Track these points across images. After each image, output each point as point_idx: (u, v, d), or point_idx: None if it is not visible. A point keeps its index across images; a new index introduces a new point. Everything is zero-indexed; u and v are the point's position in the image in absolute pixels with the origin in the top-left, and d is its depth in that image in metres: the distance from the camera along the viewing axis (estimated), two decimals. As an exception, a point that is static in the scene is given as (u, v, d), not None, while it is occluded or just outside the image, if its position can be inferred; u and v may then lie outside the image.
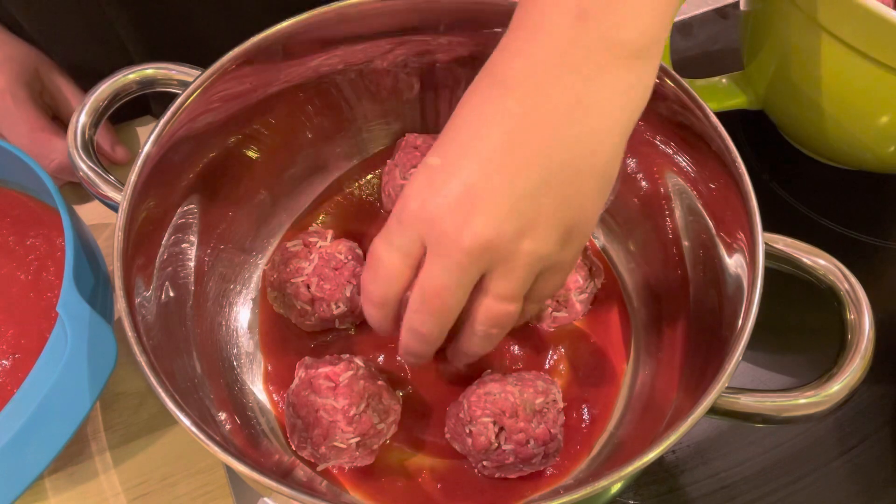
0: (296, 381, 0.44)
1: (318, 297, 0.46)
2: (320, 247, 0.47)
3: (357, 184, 0.54)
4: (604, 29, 0.33)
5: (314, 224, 0.53)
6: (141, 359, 0.36)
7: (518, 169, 0.33)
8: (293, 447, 0.44)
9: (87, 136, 0.45)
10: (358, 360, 0.44)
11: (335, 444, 0.41)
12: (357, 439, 0.41)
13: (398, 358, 0.47)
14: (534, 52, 0.33)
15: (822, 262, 0.40)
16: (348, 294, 0.46)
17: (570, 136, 0.33)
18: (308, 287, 0.46)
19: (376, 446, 0.43)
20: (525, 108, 0.33)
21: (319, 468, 0.43)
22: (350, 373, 0.42)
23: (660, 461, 0.49)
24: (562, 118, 0.33)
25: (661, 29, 0.34)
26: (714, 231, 0.44)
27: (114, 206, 0.43)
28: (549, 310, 0.48)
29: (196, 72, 0.45)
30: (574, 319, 0.49)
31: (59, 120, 0.58)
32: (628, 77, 0.34)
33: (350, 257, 0.47)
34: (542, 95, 0.33)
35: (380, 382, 0.44)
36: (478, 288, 0.35)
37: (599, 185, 0.35)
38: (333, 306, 0.46)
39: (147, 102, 0.62)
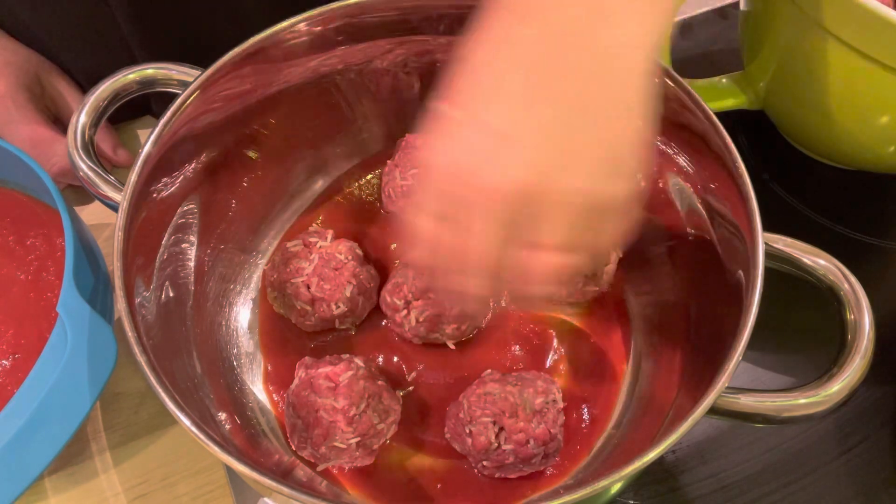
0: (296, 381, 0.44)
1: (319, 298, 0.46)
2: (320, 247, 0.47)
3: (357, 184, 0.54)
4: None
5: (314, 224, 0.53)
6: (141, 359, 0.36)
7: (545, 101, 0.30)
8: (293, 447, 0.44)
9: (87, 136, 0.45)
10: (358, 361, 0.44)
11: (335, 444, 0.41)
12: (357, 439, 0.41)
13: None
14: None
15: (822, 262, 0.40)
16: (348, 294, 0.46)
17: (596, 48, 0.30)
18: (308, 287, 0.46)
19: (376, 446, 0.43)
20: (541, 30, 0.30)
21: (319, 468, 0.43)
22: (350, 373, 0.42)
23: (660, 461, 0.49)
24: (583, 31, 0.30)
25: None
26: (714, 231, 0.44)
27: (114, 206, 0.43)
28: (580, 284, 0.48)
29: (196, 72, 0.45)
30: (601, 291, 0.49)
31: (59, 123, 0.58)
32: None
33: (350, 257, 0.47)
34: (556, 12, 0.30)
35: (380, 383, 0.44)
36: (528, 242, 0.31)
37: (637, 106, 0.31)
38: (334, 306, 0.46)
39: (147, 102, 0.62)
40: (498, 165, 0.29)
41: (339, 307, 0.46)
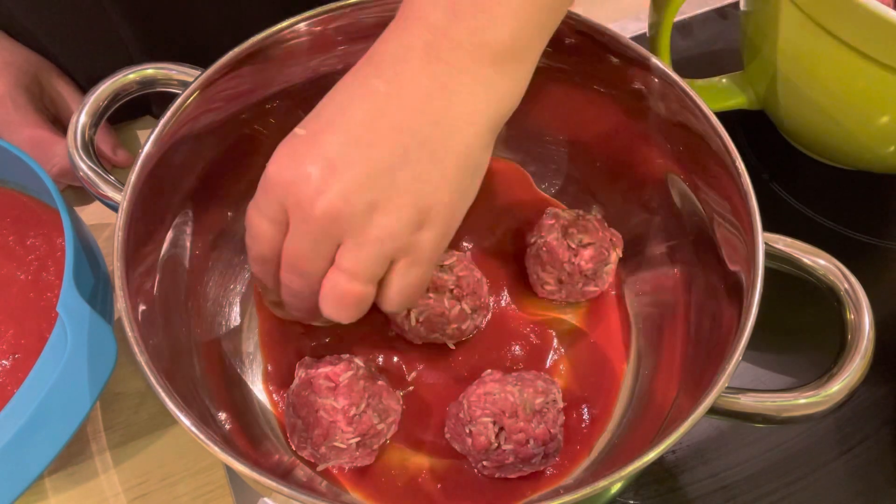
0: (296, 381, 0.44)
1: None
2: None
3: (357, 184, 0.54)
4: (473, 27, 0.34)
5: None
6: (141, 359, 0.36)
7: (376, 142, 0.34)
8: (293, 447, 0.44)
9: (87, 136, 0.45)
10: (358, 361, 0.44)
11: (335, 444, 0.41)
12: (357, 439, 0.41)
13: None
14: (407, 39, 0.35)
15: (822, 262, 0.40)
16: None
17: (431, 115, 0.34)
18: None
19: (376, 446, 0.43)
20: (391, 87, 0.34)
21: (319, 468, 0.43)
22: (350, 373, 0.42)
23: (660, 461, 0.49)
24: (424, 99, 0.34)
25: (534, 33, 0.36)
26: (714, 231, 0.44)
27: (114, 206, 0.43)
28: (580, 284, 0.48)
29: (196, 72, 0.45)
30: (601, 291, 0.49)
31: (59, 124, 0.58)
32: (496, 75, 0.35)
33: None
34: (408, 78, 0.34)
35: (380, 382, 0.44)
36: (330, 261, 0.36)
37: (458, 172, 0.35)
38: None
39: (147, 103, 0.62)
40: (316, 187, 0.34)
41: None
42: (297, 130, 0.36)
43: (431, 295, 0.45)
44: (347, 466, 0.44)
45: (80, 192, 0.58)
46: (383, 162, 0.34)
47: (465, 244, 0.52)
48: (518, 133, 0.52)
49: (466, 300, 0.46)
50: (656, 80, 0.44)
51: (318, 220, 0.34)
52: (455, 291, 0.45)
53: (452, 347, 0.47)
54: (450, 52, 0.34)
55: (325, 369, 0.42)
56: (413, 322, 0.45)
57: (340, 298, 0.36)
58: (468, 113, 0.35)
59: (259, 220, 0.37)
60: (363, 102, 0.35)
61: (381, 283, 0.36)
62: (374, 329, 0.49)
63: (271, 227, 0.36)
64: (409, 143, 0.34)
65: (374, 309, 0.49)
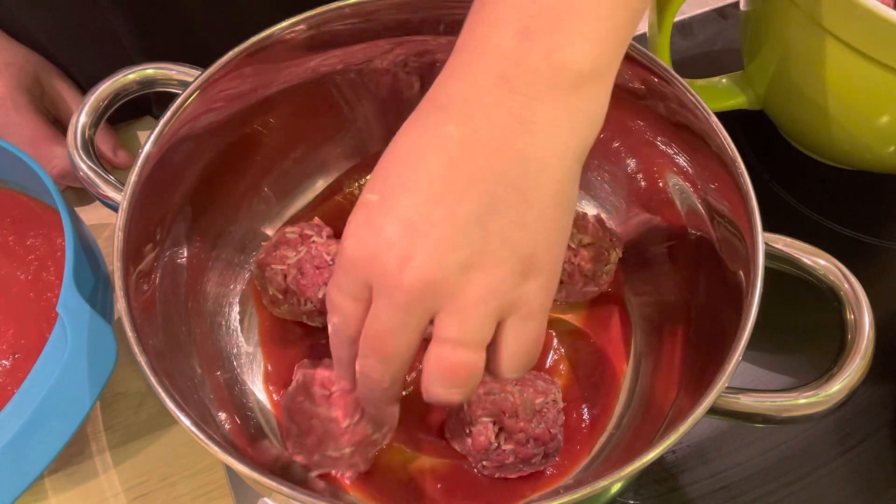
0: (293, 384, 0.43)
1: (291, 290, 0.46)
2: (313, 241, 0.47)
3: (357, 184, 0.54)
4: (548, 49, 0.31)
5: (317, 218, 0.53)
6: (141, 359, 0.36)
7: (459, 196, 0.30)
8: (288, 451, 0.44)
9: (86, 136, 0.45)
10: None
11: (329, 452, 0.41)
12: (351, 449, 0.41)
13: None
14: (475, 74, 0.31)
15: (822, 262, 0.40)
16: (320, 296, 0.46)
17: (514, 155, 0.31)
18: (285, 277, 0.46)
19: (371, 454, 0.43)
20: (465, 131, 0.31)
21: (312, 474, 0.43)
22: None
23: (660, 461, 0.49)
24: (504, 139, 0.31)
25: (613, 51, 0.33)
26: (714, 231, 0.44)
27: (114, 206, 0.43)
28: (580, 285, 0.48)
29: (196, 72, 0.45)
30: (601, 291, 0.49)
31: (59, 124, 0.58)
32: (576, 100, 0.32)
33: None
34: (482, 118, 0.31)
35: None
36: (429, 335, 0.32)
37: (554, 210, 0.32)
38: (303, 301, 0.46)
39: (147, 103, 0.62)
40: (401, 254, 0.30)
41: (307, 304, 0.46)
42: (368, 197, 0.32)
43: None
44: (341, 474, 0.43)
45: (80, 193, 0.58)
46: (471, 215, 0.30)
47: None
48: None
49: None
50: (656, 79, 0.44)
51: (407, 290, 0.30)
52: None
53: None
54: (525, 80, 0.31)
55: (322, 374, 0.42)
56: None
57: (450, 372, 0.31)
58: (553, 145, 0.31)
59: (342, 299, 0.32)
60: (436, 154, 0.31)
61: (490, 350, 0.32)
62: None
63: (355, 305, 0.32)
64: (496, 190, 0.30)
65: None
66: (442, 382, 0.31)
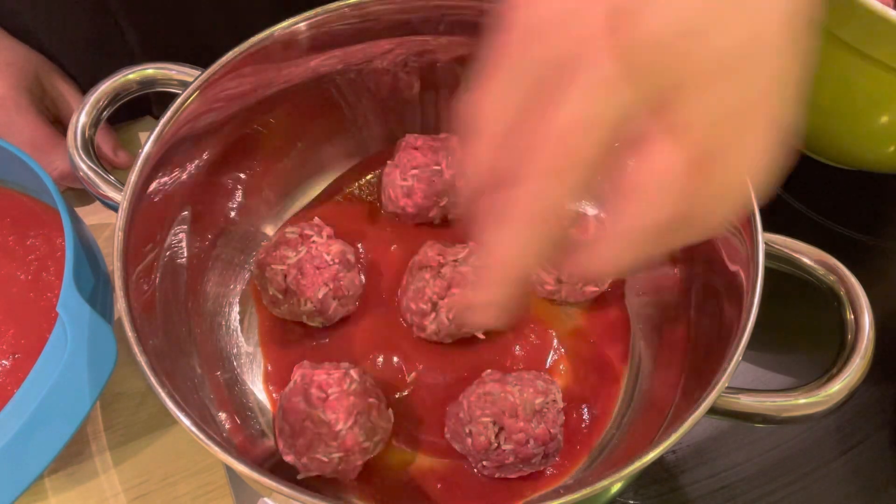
0: (290, 384, 0.43)
1: (291, 290, 0.46)
2: (314, 241, 0.47)
3: (357, 184, 0.54)
4: None
5: (317, 218, 0.53)
6: (141, 359, 0.36)
7: None
8: (279, 449, 0.44)
9: (87, 135, 0.45)
10: (354, 373, 0.43)
11: (317, 456, 0.41)
12: (340, 455, 0.41)
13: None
14: None
15: (822, 262, 0.40)
16: (320, 296, 0.46)
17: None
18: (285, 277, 0.46)
19: (360, 462, 0.42)
20: None
21: (299, 476, 0.42)
22: (342, 387, 0.42)
23: (660, 461, 0.49)
24: None
25: None
26: (714, 231, 0.44)
27: (114, 206, 0.43)
28: (580, 284, 0.48)
29: (196, 72, 0.45)
30: (601, 291, 0.49)
31: (60, 124, 0.58)
32: None
33: (337, 261, 0.47)
34: None
35: (371, 399, 0.43)
36: (639, 137, 0.23)
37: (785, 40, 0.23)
38: (303, 302, 0.46)
39: (147, 103, 0.62)
40: (618, 7, 0.21)
41: (307, 304, 0.46)
42: None
43: (455, 290, 0.45)
44: (328, 476, 0.43)
45: (80, 193, 0.58)
46: None
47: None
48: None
49: None
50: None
51: (632, 56, 0.20)
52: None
53: (482, 337, 0.47)
54: None
55: (319, 377, 0.42)
56: (445, 320, 0.45)
57: (672, 185, 0.22)
58: None
59: (496, 103, 0.23)
60: None
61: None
62: (375, 329, 0.49)
63: (522, 100, 0.22)
64: None
65: (377, 308, 0.49)
66: (662, 189, 0.23)
